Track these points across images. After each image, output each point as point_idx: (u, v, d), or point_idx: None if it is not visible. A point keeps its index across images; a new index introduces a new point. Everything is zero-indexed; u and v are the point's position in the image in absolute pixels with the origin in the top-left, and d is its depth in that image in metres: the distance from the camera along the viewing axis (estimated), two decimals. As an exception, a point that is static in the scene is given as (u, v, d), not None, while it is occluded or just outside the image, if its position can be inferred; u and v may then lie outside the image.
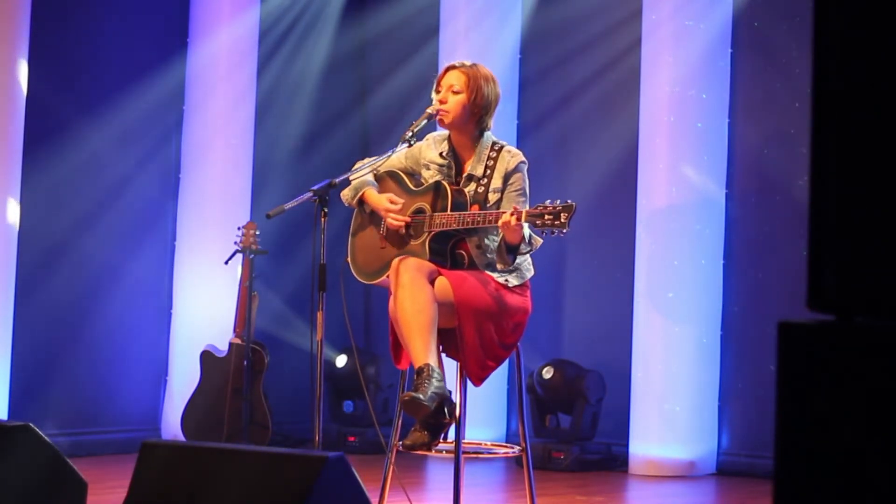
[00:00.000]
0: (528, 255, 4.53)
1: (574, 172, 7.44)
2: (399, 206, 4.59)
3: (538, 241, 4.44)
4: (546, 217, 4.20)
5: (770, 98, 6.87)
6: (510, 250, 4.39)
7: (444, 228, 4.47)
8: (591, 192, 7.23)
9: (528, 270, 4.57)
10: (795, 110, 6.71)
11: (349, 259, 4.73)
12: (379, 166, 4.66)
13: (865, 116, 1.70)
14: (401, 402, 4.28)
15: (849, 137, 1.71)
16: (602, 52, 7.43)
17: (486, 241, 4.51)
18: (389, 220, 4.60)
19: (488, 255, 4.50)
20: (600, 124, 7.44)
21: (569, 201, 4.21)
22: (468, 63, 4.60)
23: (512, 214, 4.23)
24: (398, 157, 4.68)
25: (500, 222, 4.27)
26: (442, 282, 4.39)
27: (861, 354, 1.67)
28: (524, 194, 4.51)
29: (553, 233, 4.20)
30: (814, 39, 1.76)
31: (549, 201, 4.23)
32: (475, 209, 4.47)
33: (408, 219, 4.58)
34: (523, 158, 4.55)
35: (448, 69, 4.59)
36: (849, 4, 1.73)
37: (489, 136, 4.59)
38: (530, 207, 4.35)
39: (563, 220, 4.18)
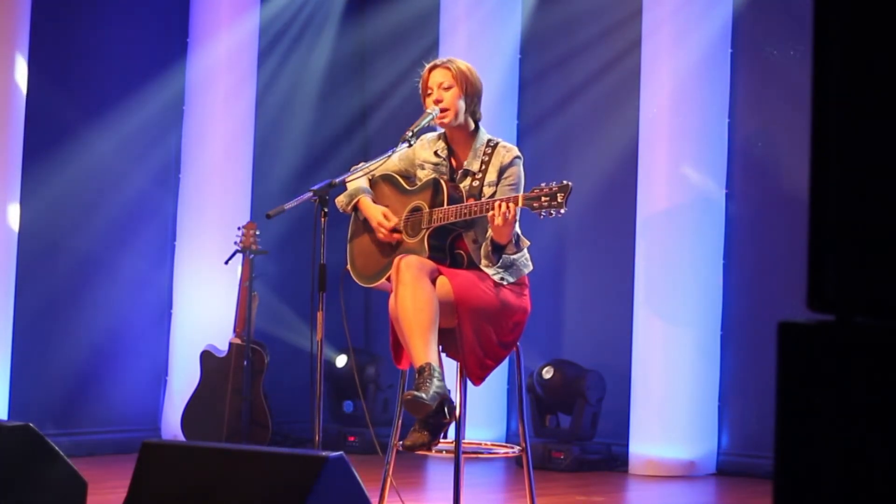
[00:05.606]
0: (525, 251, 4.55)
1: (574, 172, 7.42)
2: (392, 224, 4.60)
3: (525, 242, 4.49)
4: (543, 199, 4.23)
5: (770, 98, 6.87)
6: (496, 249, 4.42)
7: (443, 223, 4.48)
8: (591, 192, 7.23)
9: (526, 266, 4.58)
10: (795, 110, 6.70)
11: (348, 266, 4.74)
12: (374, 169, 4.67)
13: (866, 116, 1.70)
14: (402, 401, 4.28)
15: (849, 137, 1.72)
16: (602, 52, 7.43)
17: (484, 236, 4.52)
18: (380, 236, 4.61)
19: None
20: (600, 124, 7.44)
21: (564, 181, 4.24)
22: (444, 59, 4.66)
23: (508, 201, 4.26)
24: (393, 161, 4.70)
25: (494, 210, 4.27)
26: (442, 281, 4.39)
27: (861, 354, 1.67)
28: (517, 190, 4.53)
29: (551, 214, 4.23)
30: (814, 39, 1.76)
31: (544, 183, 4.26)
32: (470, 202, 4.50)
33: (398, 236, 4.59)
34: (518, 153, 4.59)
35: (431, 70, 4.62)
36: (849, 4, 1.73)
37: (484, 133, 4.63)
38: (525, 192, 4.37)
39: (559, 201, 4.21)
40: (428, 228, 4.51)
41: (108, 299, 7.17)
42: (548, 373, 6.89)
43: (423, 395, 4.15)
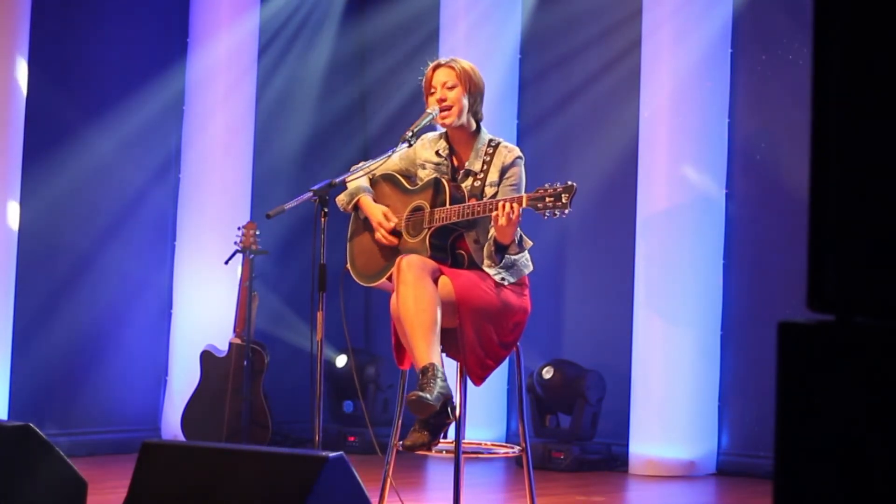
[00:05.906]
0: (525, 252, 4.55)
1: (574, 172, 7.42)
2: (392, 225, 4.60)
3: (528, 243, 4.50)
4: (547, 199, 4.24)
5: (770, 98, 6.87)
6: (499, 249, 4.42)
7: (445, 223, 4.48)
8: (591, 192, 7.23)
9: (526, 267, 4.58)
10: (795, 110, 6.71)
11: (348, 265, 4.73)
12: (375, 169, 4.67)
13: (866, 116, 1.70)
14: (407, 401, 4.27)
15: (849, 137, 1.71)
16: (602, 52, 7.43)
17: (486, 236, 4.52)
18: (378, 237, 4.61)
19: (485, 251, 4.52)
20: (600, 124, 7.44)
21: (569, 182, 4.26)
22: (447, 59, 4.66)
23: (512, 201, 4.26)
24: (393, 161, 4.70)
25: (498, 210, 4.28)
26: (444, 281, 4.39)
27: (861, 354, 1.67)
28: (519, 190, 4.53)
29: (556, 214, 4.25)
30: (814, 39, 1.76)
31: (548, 184, 4.27)
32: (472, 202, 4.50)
33: (395, 240, 4.59)
34: (520, 154, 4.59)
35: (435, 69, 4.62)
36: (849, 4, 1.73)
37: (486, 133, 4.63)
38: (530, 192, 4.37)
39: (564, 201, 4.22)
40: (430, 228, 4.51)
41: (107, 299, 7.17)
42: (548, 373, 6.89)
43: (428, 396, 4.15)
